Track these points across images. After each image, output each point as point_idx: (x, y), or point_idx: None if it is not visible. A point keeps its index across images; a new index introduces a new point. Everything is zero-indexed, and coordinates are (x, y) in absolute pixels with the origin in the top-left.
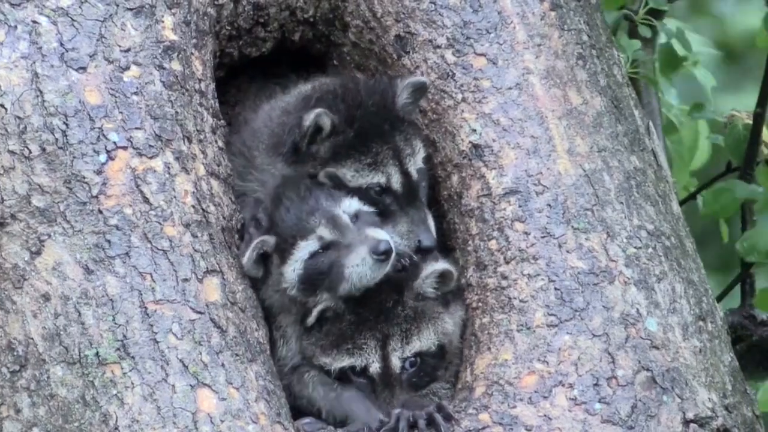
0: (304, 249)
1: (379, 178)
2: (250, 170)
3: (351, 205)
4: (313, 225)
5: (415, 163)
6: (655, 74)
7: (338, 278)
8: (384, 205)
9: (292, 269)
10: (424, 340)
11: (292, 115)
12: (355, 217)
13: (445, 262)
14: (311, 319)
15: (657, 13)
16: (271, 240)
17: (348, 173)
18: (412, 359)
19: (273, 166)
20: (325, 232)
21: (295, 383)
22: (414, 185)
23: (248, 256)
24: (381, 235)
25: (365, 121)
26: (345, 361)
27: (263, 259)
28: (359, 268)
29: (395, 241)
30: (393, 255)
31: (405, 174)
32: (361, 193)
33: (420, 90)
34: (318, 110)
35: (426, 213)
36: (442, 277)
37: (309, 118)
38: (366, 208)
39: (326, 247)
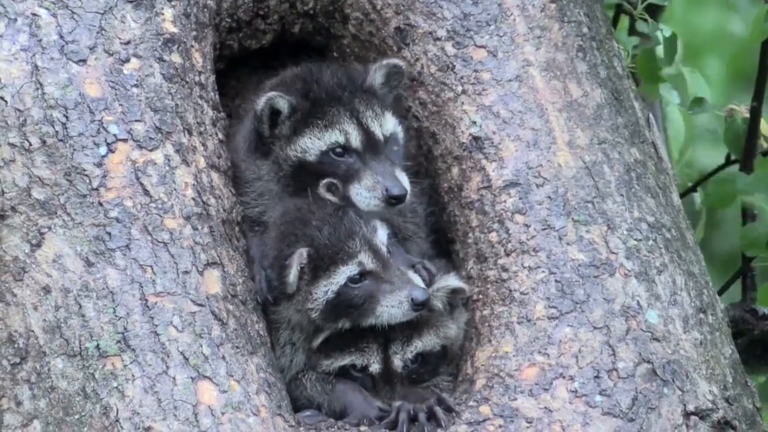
0: (343, 274)
1: (336, 137)
2: (241, 184)
3: (383, 235)
4: (354, 250)
5: (381, 125)
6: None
7: (368, 312)
8: (347, 165)
9: (324, 291)
10: (426, 342)
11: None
12: (388, 249)
13: (459, 279)
14: (316, 344)
15: (656, 9)
16: (304, 252)
17: (308, 142)
18: (413, 359)
19: (255, 168)
20: (366, 260)
21: (294, 389)
22: (376, 142)
23: (293, 273)
24: (421, 282)
25: (321, 92)
26: (346, 360)
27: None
28: (393, 310)
29: (364, 195)
30: (427, 307)
31: (365, 131)
32: (326, 162)
33: (395, 73)
34: (269, 93)
35: (394, 166)
36: (454, 292)
37: (260, 102)
38: (393, 241)
39: (364, 274)
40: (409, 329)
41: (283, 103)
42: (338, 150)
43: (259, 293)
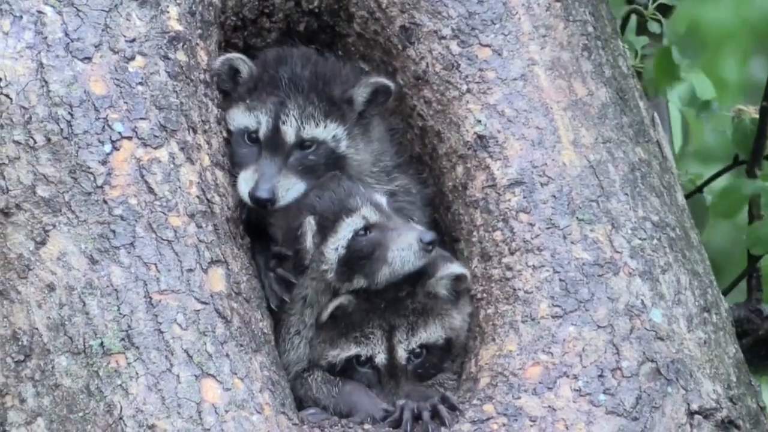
0: (349, 227)
1: (248, 122)
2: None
3: (381, 197)
4: (356, 205)
5: (301, 128)
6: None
7: (380, 261)
8: (248, 151)
9: (335, 248)
10: (431, 333)
11: None
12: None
13: (461, 266)
14: (325, 315)
15: (667, 8)
16: (311, 219)
17: (232, 114)
18: (418, 351)
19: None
20: (369, 213)
21: (299, 388)
22: (280, 141)
23: (309, 240)
24: (423, 226)
25: (274, 75)
26: (351, 350)
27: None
28: (404, 253)
29: (241, 186)
30: (435, 244)
31: (275, 128)
32: (237, 141)
33: (381, 92)
34: (228, 54)
35: (288, 170)
36: (456, 279)
37: (218, 61)
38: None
39: (369, 227)
40: (413, 316)
41: (243, 66)
42: (246, 135)
43: (271, 298)
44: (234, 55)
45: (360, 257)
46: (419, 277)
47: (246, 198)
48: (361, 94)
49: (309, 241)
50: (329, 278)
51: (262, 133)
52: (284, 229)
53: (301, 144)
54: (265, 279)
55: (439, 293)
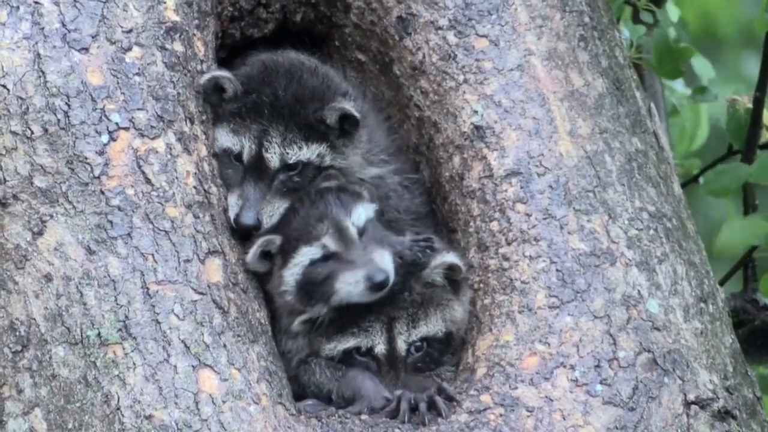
0: (306, 255)
1: (233, 144)
2: None
3: (361, 216)
4: (320, 232)
5: (284, 153)
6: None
7: (329, 290)
8: (233, 172)
9: (291, 273)
10: (432, 325)
11: None
12: (363, 229)
13: (454, 255)
14: (295, 326)
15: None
16: (276, 240)
17: (219, 133)
18: (418, 344)
19: None
20: (330, 242)
21: (303, 374)
22: (264, 168)
23: (252, 253)
24: (383, 263)
25: (257, 97)
26: (349, 343)
27: (268, 257)
28: (350, 288)
29: (229, 208)
30: (388, 287)
31: (258, 155)
32: (222, 161)
33: (348, 117)
34: (216, 73)
35: (272, 195)
36: (450, 269)
37: (205, 78)
38: (375, 222)
39: (328, 257)
40: (413, 308)
41: (228, 85)
42: (231, 157)
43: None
44: (220, 74)
45: (313, 284)
46: (412, 271)
47: (232, 223)
48: (330, 116)
49: (251, 255)
50: (288, 300)
51: (245, 158)
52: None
53: (286, 167)
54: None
55: (436, 281)
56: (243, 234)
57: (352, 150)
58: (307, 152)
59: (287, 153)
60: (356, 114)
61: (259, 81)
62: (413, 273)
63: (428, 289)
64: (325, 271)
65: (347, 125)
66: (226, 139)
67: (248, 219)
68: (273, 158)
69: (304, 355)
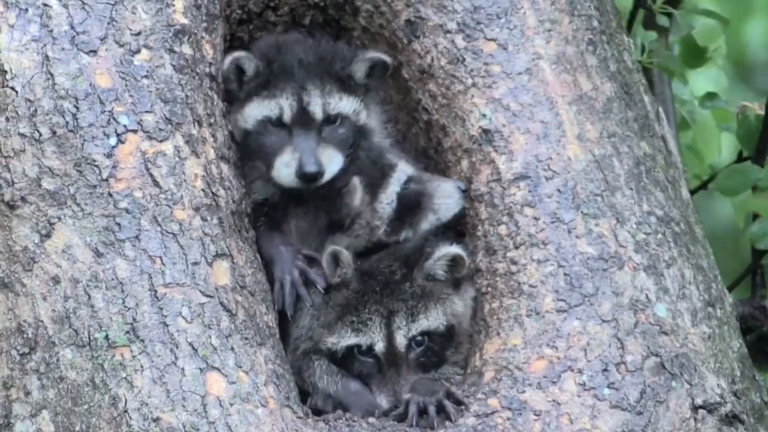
0: (396, 181)
1: (270, 111)
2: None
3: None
4: (394, 160)
5: (326, 104)
6: (671, 64)
7: (426, 210)
8: (277, 138)
9: (388, 202)
10: (432, 320)
11: None
12: None
13: (458, 247)
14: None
15: (674, 2)
16: (356, 179)
17: (248, 111)
18: (419, 339)
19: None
20: (406, 167)
21: (305, 367)
22: (309, 118)
23: (359, 196)
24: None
25: (281, 64)
26: (350, 339)
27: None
28: (448, 200)
29: (282, 171)
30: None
31: (301, 107)
32: (260, 133)
33: (379, 66)
34: (236, 54)
35: (325, 144)
36: (454, 261)
37: (227, 62)
38: None
39: (409, 180)
40: (413, 300)
41: (249, 65)
42: (270, 124)
43: (278, 303)
44: (240, 54)
45: (410, 208)
46: (416, 259)
47: (292, 180)
48: (359, 69)
49: (358, 199)
50: (380, 234)
51: (288, 117)
52: (329, 197)
53: (329, 119)
54: (279, 278)
55: (437, 275)
56: (308, 183)
57: (376, 116)
58: (346, 104)
59: (329, 103)
60: (387, 58)
61: (277, 51)
62: (416, 264)
63: (429, 282)
64: (417, 193)
65: (376, 76)
66: (259, 110)
67: (311, 166)
68: (316, 109)
69: (307, 347)
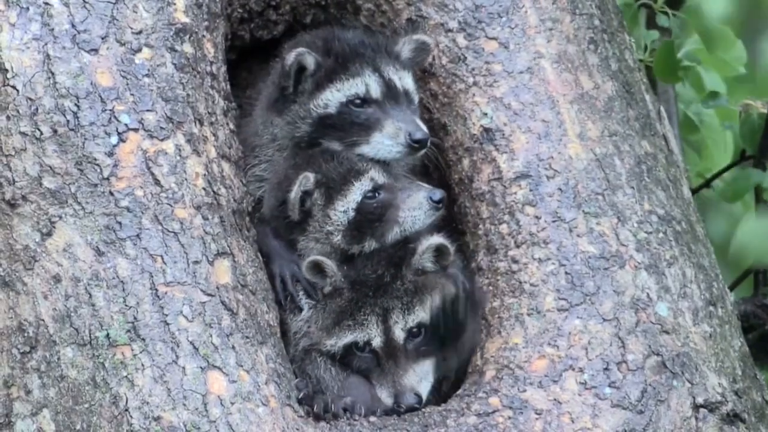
0: (357, 190)
1: (356, 89)
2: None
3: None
4: (365, 167)
5: (401, 79)
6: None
7: (391, 223)
8: (367, 115)
9: (343, 211)
10: (428, 311)
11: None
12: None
13: (440, 237)
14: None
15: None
16: (310, 176)
17: (329, 95)
18: (416, 330)
19: (271, 126)
20: (377, 175)
21: (307, 363)
22: (397, 92)
23: (295, 192)
24: (427, 186)
25: (344, 49)
26: (347, 338)
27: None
28: (415, 213)
29: (386, 144)
30: (444, 201)
31: (386, 82)
32: (345, 113)
33: (422, 49)
34: (299, 49)
35: (414, 114)
36: (439, 251)
37: (290, 57)
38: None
39: (378, 189)
40: (407, 296)
41: (310, 60)
42: (357, 101)
43: (282, 295)
44: (301, 50)
45: (371, 220)
46: (403, 258)
47: (399, 150)
48: (405, 50)
49: (294, 195)
50: (335, 241)
51: (376, 94)
52: (281, 178)
53: (407, 93)
54: (277, 273)
55: (426, 267)
56: (419, 150)
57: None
58: (410, 81)
59: (402, 77)
60: (430, 39)
61: (330, 41)
62: (403, 262)
63: (420, 276)
64: (381, 204)
65: (419, 57)
66: (342, 92)
67: (420, 133)
68: (398, 83)
69: (307, 344)
